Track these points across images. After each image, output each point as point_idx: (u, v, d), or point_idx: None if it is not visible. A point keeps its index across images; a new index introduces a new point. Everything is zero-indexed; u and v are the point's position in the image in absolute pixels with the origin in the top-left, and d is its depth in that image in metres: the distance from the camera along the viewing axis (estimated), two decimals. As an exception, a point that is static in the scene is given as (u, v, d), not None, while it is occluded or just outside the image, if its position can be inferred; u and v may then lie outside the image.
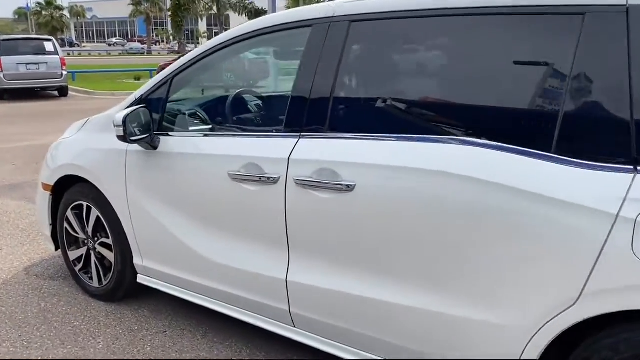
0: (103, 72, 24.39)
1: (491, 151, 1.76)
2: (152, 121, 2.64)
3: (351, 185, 2.00)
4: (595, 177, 1.58)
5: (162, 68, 21.94)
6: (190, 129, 2.76)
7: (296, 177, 2.14)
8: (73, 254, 3.33)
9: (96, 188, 3.00)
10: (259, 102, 3.33)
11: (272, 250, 2.30)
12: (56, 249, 3.49)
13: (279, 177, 2.20)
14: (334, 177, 2.04)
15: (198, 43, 63.94)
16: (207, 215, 2.51)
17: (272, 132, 2.34)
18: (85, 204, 3.13)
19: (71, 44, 74.84)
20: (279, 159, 2.21)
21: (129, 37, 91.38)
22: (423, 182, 1.86)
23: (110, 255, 3.08)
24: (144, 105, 2.61)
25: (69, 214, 3.25)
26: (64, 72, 15.25)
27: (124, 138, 2.55)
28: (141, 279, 2.98)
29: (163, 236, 2.71)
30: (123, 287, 3.09)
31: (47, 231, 3.44)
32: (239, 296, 2.47)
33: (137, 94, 2.83)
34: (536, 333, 1.69)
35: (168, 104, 2.72)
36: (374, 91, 2.20)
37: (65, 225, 3.30)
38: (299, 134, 2.20)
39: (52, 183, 3.27)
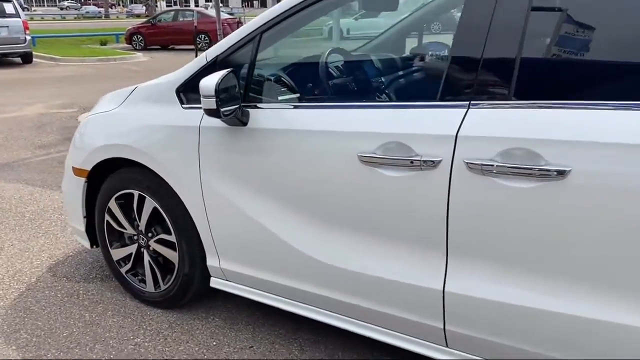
0: (64, 37, 22.92)
1: None
2: (239, 90, 2.08)
3: (564, 170, 1.50)
4: None
5: (131, 34, 20.94)
6: (285, 98, 2.21)
7: (469, 159, 1.64)
8: (118, 253, 2.76)
9: (154, 174, 2.43)
10: (382, 64, 2.73)
11: (422, 253, 1.81)
12: (91, 246, 2.90)
13: (440, 161, 1.69)
14: (532, 159, 1.54)
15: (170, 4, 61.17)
16: (323, 209, 1.99)
17: (420, 101, 1.81)
18: (136, 193, 2.55)
19: (21, 8, 70.82)
20: (440, 137, 1.69)
21: (82, 0, 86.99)
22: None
23: (172, 255, 2.53)
24: (231, 70, 2.03)
25: (113, 205, 2.66)
26: (27, 37, 14.05)
27: (216, 112, 1.97)
28: (216, 283, 2.45)
29: (253, 234, 2.18)
30: (189, 293, 2.55)
31: (80, 225, 2.85)
32: (370, 309, 1.98)
33: (211, 53, 2.23)
34: None
35: (256, 68, 2.14)
36: (594, 42, 1.64)
37: (107, 218, 2.72)
38: (467, 103, 1.68)
39: (88, 168, 2.67)
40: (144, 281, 2.71)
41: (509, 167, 1.58)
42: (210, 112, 1.99)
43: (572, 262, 1.56)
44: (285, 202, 2.07)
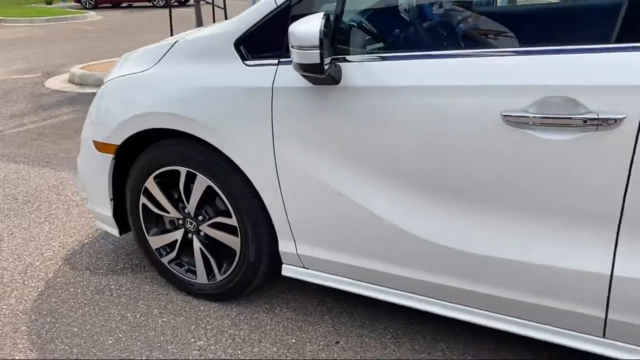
0: (4, -4, 21.22)
1: None
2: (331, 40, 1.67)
3: None
4: None
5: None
6: (379, 47, 1.82)
7: (667, 116, 1.31)
8: (157, 240, 2.35)
9: (209, 147, 2.01)
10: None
11: (589, 232, 1.50)
12: (121, 233, 2.48)
13: (623, 118, 1.36)
14: None
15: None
16: (448, 185, 1.63)
17: (588, 44, 1.45)
18: (184, 170, 2.13)
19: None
20: (622, 88, 1.36)
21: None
22: None
23: (232, 241, 2.14)
24: (326, 13, 1.61)
25: (151, 184, 2.24)
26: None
27: (317, 67, 1.57)
28: (289, 271, 2.09)
29: (344, 215, 1.82)
30: (253, 284, 2.18)
31: (106, 209, 2.41)
32: (507, 299, 1.67)
33: (283, -6, 1.80)
34: None
35: (345, 10, 1.73)
36: None
37: (143, 200, 2.29)
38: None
39: (117, 142, 2.22)
40: (192, 271, 2.32)
41: None
42: (307, 68, 1.58)
43: None
44: (394, 177, 1.71)
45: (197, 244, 2.24)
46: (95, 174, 2.38)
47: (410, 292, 1.85)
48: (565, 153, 1.44)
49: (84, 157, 2.44)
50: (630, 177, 1.39)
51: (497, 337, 2.02)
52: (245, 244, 2.10)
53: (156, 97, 2.07)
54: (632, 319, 1.52)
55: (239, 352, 2.00)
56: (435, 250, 1.71)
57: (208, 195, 2.14)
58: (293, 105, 1.79)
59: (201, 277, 2.28)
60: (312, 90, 1.75)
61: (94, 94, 2.48)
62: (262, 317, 2.21)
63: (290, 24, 1.60)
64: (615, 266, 1.48)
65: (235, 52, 1.91)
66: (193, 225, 2.23)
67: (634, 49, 1.37)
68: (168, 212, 2.27)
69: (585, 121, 1.39)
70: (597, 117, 1.38)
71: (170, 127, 2.06)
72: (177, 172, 2.16)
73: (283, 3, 1.80)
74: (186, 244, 2.30)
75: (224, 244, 2.19)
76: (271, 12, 1.82)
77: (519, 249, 1.59)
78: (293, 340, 2.06)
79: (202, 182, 2.10)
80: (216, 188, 2.08)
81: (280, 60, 1.82)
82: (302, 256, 2.01)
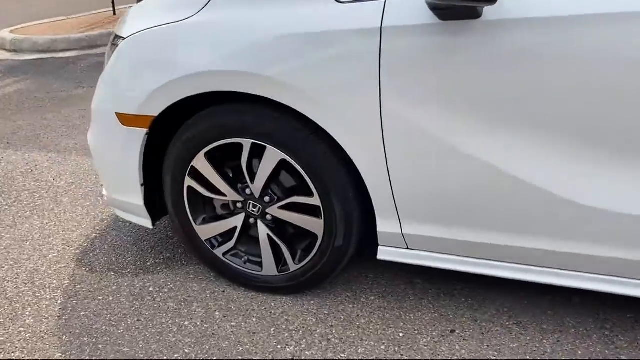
0: None
1: None
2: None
3: None
4: None
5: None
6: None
7: None
8: (209, 229, 1.94)
9: (281, 112, 1.61)
10: None
11: None
12: (154, 224, 2.04)
13: None
14: None
15: None
16: (609, 127, 1.33)
17: None
18: (247, 142, 1.71)
19: None
20: None
21: None
22: None
23: (312, 224, 1.77)
24: None
25: (202, 162, 1.81)
26: None
27: None
28: (386, 253, 1.75)
29: (476, 181, 1.49)
30: (337, 270, 1.83)
31: (135, 197, 1.96)
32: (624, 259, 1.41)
33: None
34: None
35: None
36: None
37: (189, 182, 1.86)
38: None
39: (154, 113, 1.76)
40: (254, 262, 1.93)
41: None
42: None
43: None
44: (554, 138, 1.38)
45: (263, 230, 1.85)
46: (118, 154, 1.91)
47: (556, 268, 1.56)
48: None
49: (99, 135, 1.95)
50: None
51: None
52: (330, 225, 1.73)
53: (214, 52, 1.62)
54: None
55: (342, 355, 1.66)
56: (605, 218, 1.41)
57: (279, 172, 1.75)
58: (409, 49, 1.41)
59: (269, 269, 1.89)
60: (436, 28, 1.38)
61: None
62: (349, 308, 1.87)
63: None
64: None
65: (321, -13, 1.49)
66: (257, 208, 1.83)
67: None
68: (224, 195, 1.85)
69: None
70: None
71: (236, 90, 1.62)
72: (235, 147, 1.73)
73: None
74: (247, 230, 1.91)
75: (298, 228, 1.81)
76: None
77: None
78: (400, 334, 1.74)
79: (273, 156, 1.70)
80: (292, 162, 1.68)
81: (390, -8, 1.43)
82: (408, 236, 1.67)
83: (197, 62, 1.64)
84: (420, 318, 1.81)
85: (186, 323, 1.84)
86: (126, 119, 1.82)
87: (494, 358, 1.63)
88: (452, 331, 1.74)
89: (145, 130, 1.81)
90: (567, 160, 1.39)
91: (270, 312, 1.86)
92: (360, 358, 1.65)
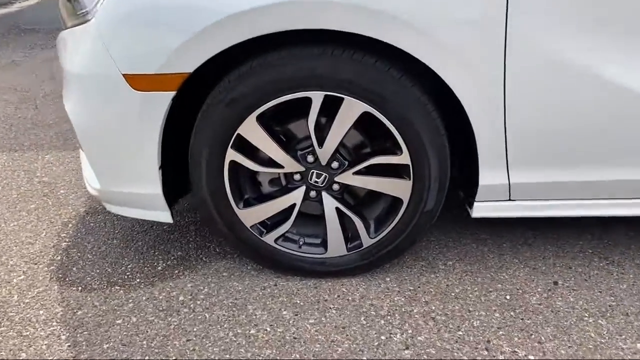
0: None
1: None
2: None
3: None
4: None
5: None
6: None
7: None
8: (257, 213, 1.56)
9: (360, 52, 1.30)
10: None
11: None
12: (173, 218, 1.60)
13: None
14: None
15: None
16: None
17: None
18: (318, 95, 1.36)
19: None
20: None
21: None
22: None
23: (398, 187, 1.48)
24: None
25: (250, 128, 1.42)
26: None
27: None
28: (483, 209, 1.52)
29: (610, 109, 1.31)
30: (417, 241, 1.57)
31: (150, 184, 1.52)
32: None
33: None
34: None
35: None
36: None
37: (233, 156, 1.46)
38: None
39: (189, 69, 1.33)
40: (315, 244, 1.60)
41: None
42: None
43: None
44: None
45: (330, 204, 1.52)
46: (126, 130, 1.44)
47: None
48: None
49: (93, 107, 1.46)
50: None
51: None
52: (420, 187, 1.46)
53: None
54: None
55: (460, 332, 1.43)
56: None
57: (357, 128, 1.43)
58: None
59: (336, 248, 1.58)
60: None
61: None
62: (433, 279, 1.63)
63: None
64: None
65: None
66: (323, 178, 1.49)
67: None
68: (280, 167, 1.48)
69: None
70: None
71: (317, 27, 1.26)
72: (308, 101, 1.37)
73: None
74: (307, 205, 1.57)
75: (373, 196, 1.52)
76: None
77: None
78: (507, 297, 1.54)
79: (352, 109, 1.37)
80: (377, 114, 1.37)
81: None
82: (515, 185, 1.45)
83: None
84: (515, 275, 1.62)
85: (253, 331, 1.47)
86: (142, 81, 1.36)
87: (613, 302, 1.50)
88: (555, 283, 1.59)
89: (171, 94, 1.37)
90: None
91: (348, 300, 1.56)
92: (478, 332, 1.42)
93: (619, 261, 1.66)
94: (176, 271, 1.71)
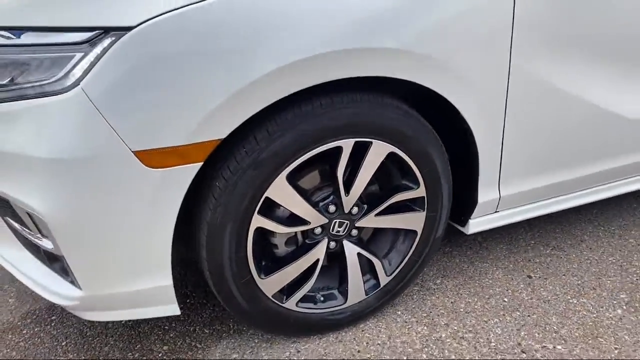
0: None
1: None
2: None
3: None
4: None
5: None
6: None
7: None
8: (279, 279, 1.42)
9: (389, 95, 1.33)
10: None
11: None
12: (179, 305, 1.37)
13: None
14: None
15: None
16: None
17: None
18: (349, 143, 1.31)
19: None
20: None
21: None
22: None
23: (412, 220, 1.50)
24: None
25: (280, 188, 1.29)
26: None
27: None
28: (477, 225, 1.64)
29: (569, 122, 1.56)
30: (421, 269, 1.62)
31: (159, 275, 1.27)
32: None
33: None
34: None
35: None
36: None
37: (260, 222, 1.31)
38: None
39: (220, 135, 1.16)
40: (331, 297, 1.53)
41: None
42: None
43: None
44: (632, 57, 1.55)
45: (352, 250, 1.48)
46: (133, 216, 1.18)
47: (611, 181, 1.78)
48: None
49: (84, 197, 1.15)
50: None
51: None
52: (433, 216, 1.52)
53: (315, 26, 1.15)
54: None
55: (493, 343, 1.52)
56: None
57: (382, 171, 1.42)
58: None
59: (355, 295, 1.53)
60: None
61: None
62: (440, 300, 1.69)
63: None
64: None
65: None
66: (344, 226, 1.44)
67: None
68: (307, 223, 1.38)
69: None
70: None
71: (352, 75, 1.21)
72: (338, 151, 1.31)
73: None
74: (330, 258, 1.49)
75: (392, 233, 1.53)
76: None
77: None
78: (505, 300, 1.69)
79: (379, 152, 1.36)
80: (400, 152, 1.39)
81: None
82: (503, 198, 1.61)
83: (295, 44, 1.14)
84: (495, 278, 1.79)
85: (312, 408, 1.34)
86: (161, 156, 1.13)
87: (579, 281, 1.76)
88: (529, 276, 1.79)
89: (197, 167, 1.17)
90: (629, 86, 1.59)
91: (379, 344, 1.52)
92: (506, 338, 1.54)
93: (557, 246, 1.94)
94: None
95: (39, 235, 1.27)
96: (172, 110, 1.11)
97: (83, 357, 1.49)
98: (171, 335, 1.56)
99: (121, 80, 1.09)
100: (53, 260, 1.32)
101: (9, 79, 1.14)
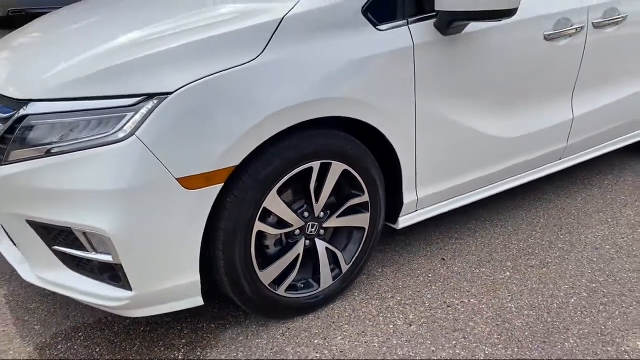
0: None
1: None
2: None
3: (625, 15, 2.66)
4: None
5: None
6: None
7: (594, 20, 2.53)
8: (273, 271, 1.90)
9: (338, 129, 1.91)
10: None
11: (564, 94, 2.58)
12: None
13: (583, 25, 2.49)
14: (614, 12, 2.62)
15: None
16: (515, 88, 2.34)
17: None
18: (316, 164, 1.86)
19: None
20: (581, 9, 2.48)
21: None
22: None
23: (361, 219, 2.06)
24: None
25: (272, 200, 1.80)
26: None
27: (512, 11, 1.90)
28: (405, 221, 2.23)
29: (455, 141, 2.21)
30: (369, 256, 2.18)
31: (189, 273, 1.72)
32: (521, 162, 2.51)
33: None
34: None
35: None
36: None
37: (260, 227, 1.81)
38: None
39: (236, 162, 1.66)
40: (308, 284, 2.03)
41: (605, 20, 2.56)
42: (494, 14, 1.90)
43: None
44: (492, 95, 2.26)
45: (322, 245, 2.00)
46: (175, 226, 1.63)
47: (489, 184, 2.47)
48: (563, 50, 2.43)
49: (140, 215, 1.58)
50: (583, 59, 2.54)
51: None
52: (375, 215, 2.09)
53: (296, 85, 1.71)
54: (580, 139, 2.72)
55: (427, 304, 2.10)
56: (502, 144, 2.39)
57: (337, 183, 1.97)
58: (430, 58, 2.01)
59: (326, 280, 2.05)
60: (444, 41, 2.03)
61: None
62: (417, 284, 2.25)
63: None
64: (574, 112, 2.64)
65: (365, 19, 1.88)
66: (315, 227, 1.97)
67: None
68: (291, 225, 1.89)
69: (576, 29, 2.43)
70: (576, 27, 2.44)
71: (319, 116, 1.78)
72: (309, 170, 1.85)
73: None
74: (306, 254, 1.99)
75: (350, 227, 2.07)
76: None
77: (535, 124, 2.49)
78: (472, 290, 2.29)
79: (337, 170, 1.92)
80: (351, 170, 1.96)
81: (409, 19, 1.97)
82: (420, 200, 2.22)
83: (280, 98, 1.68)
84: (437, 273, 2.38)
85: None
86: (195, 181, 1.61)
87: (489, 258, 2.41)
88: (443, 259, 2.41)
89: (220, 187, 1.66)
90: (500, 118, 2.31)
91: (346, 316, 2.04)
92: (432, 301, 2.12)
93: (459, 236, 2.59)
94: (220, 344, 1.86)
95: (94, 252, 1.66)
96: (203, 146, 1.60)
97: (119, 357, 1.84)
98: (185, 332, 1.96)
99: (166, 129, 1.56)
100: (104, 271, 1.70)
101: (59, 137, 1.56)
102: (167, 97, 1.57)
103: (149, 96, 1.58)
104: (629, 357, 1.84)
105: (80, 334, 1.95)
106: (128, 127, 1.57)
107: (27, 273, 1.82)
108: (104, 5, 2.38)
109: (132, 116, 1.57)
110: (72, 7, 2.60)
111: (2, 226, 1.91)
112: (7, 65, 1.97)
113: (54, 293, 2.13)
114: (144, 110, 1.57)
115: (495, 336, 1.93)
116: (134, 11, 2.14)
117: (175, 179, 1.58)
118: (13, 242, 1.92)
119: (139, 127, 1.56)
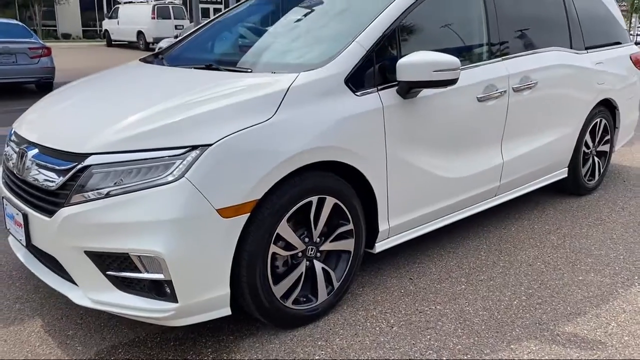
0: None
1: None
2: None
3: (536, 82, 3.42)
4: None
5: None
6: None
7: (513, 86, 3.26)
8: (284, 285, 2.36)
9: (341, 169, 2.46)
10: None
11: (495, 143, 3.26)
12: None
13: (506, 90, 3.21)
14: (528, 80, 3.37)
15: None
16: (458, 139, 2.98)
17: (489, 60, 3.12)
18: (315, 198, 2.37)
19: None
20: (504, 77, 3.19)
21: None
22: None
23: (348, 244, 2.56)
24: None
25: (284, 227, 2.29)
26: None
27: (453, 80, 2.54)
28: (380, 246, 2.75)
29: (416, 180, 2.80)
30: (355, 275, 2.68)
31: (221, 286, 2.15)
32: (466, 198, 3.14)
33: (365, 42, 2.55)
34: None
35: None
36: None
37: (274, 249, 2.28)
38: (502, 59, 3.24)
39: (258, 196, 2.16)
40: (308, 299, 2.49)
41: (520, 86, 3.31)
42: (442, 83, 2.54)
43: (543, 120, 3.52)
44: (441, 144, 2.88)
45: (319, 265, 2.48)
46: (214, 248, 2.08)
47: (443, 216, 3.05)
48: (491, 109, 3.12)
49: (189, 242, 2.02)
50: (508, 116, 3.24)
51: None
52: (358, 241, 2.61)
53: (300, 137, 2.24)
54: (510, 179, 3.39)
55: (403, 312, 2.60)
56: (452, 183, 3.00)
57: (330, 214, 2.48)
58: (395, 116, 2.61)
59: (322, 295, 2.51)
60: (406, 102, 2.65)
61: None
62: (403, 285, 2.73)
63: (377, 63, 2.57)
64: (503, 157, 3.31)
65: (346, 87, 2.46)
66: (313, 250, 2.45)
67: (499, 61, 3.20)
68: (296, 248, 2.36)
69: (501, 93, 3.14)
70: (500, 91, 3.15)
71: (317, 160, 2.30)
72: (310, 203, 2.35)
73: (370, 48, 2.56)
74: (309, 271, 2.45)
75: (340, 250, 2.56)
76: (364, 55, 2.53)
77: (473, 167, 3.14)
78: (468, 308, 2.79)
79: (330, 203, 2.44)
80: (340, 203, 2.48)
81: (378, 87, 2.58)
82: (391, 228, 2.76)
83: (290, 148, 2.21)
84: (426, 290, 2.89)
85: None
86: (230, 211, 2.07)
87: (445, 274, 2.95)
88: (410, 279, 2.93)
89: (247, 215, 2.13)
90: (447, 157, 2.92)
91: (341, 324, 2.50)
92: (407, 309, 2.63)
93: (422, 260, 3.13)
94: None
95: (146, 272, 2.07)
96: (235, 184, 2.08)
97: (158, 364, 2.21)
98: (210, 343, 2.35)
99: (208, 171, 2.04)
100: (152, 289, 2.10)
101: (114, 182, 2.01)
102: (208, 148, 2.06)
103: (194, 147, 2.06)
104: (561, 339, 2.39)
105: (120, 350, 2.30)
106: (177, 172, 2.03)
107: (80, 298, 2.18)
108: (112, 81, 2.88)
109: (181, 163, 2.04)
110: (78, 83, 3.06)
111: (38, 259, 2.31)
112: (58, 126, 2.40)
113: (86, 320, 2.47)
114: (189, 158, 2.05)
115: (460, 331, 2.44)
116: (152, 84, 2.65)
117: (216, 209, 2.04)
118: (57, 273, 2.29)
119: (188, 170, 2.03)
